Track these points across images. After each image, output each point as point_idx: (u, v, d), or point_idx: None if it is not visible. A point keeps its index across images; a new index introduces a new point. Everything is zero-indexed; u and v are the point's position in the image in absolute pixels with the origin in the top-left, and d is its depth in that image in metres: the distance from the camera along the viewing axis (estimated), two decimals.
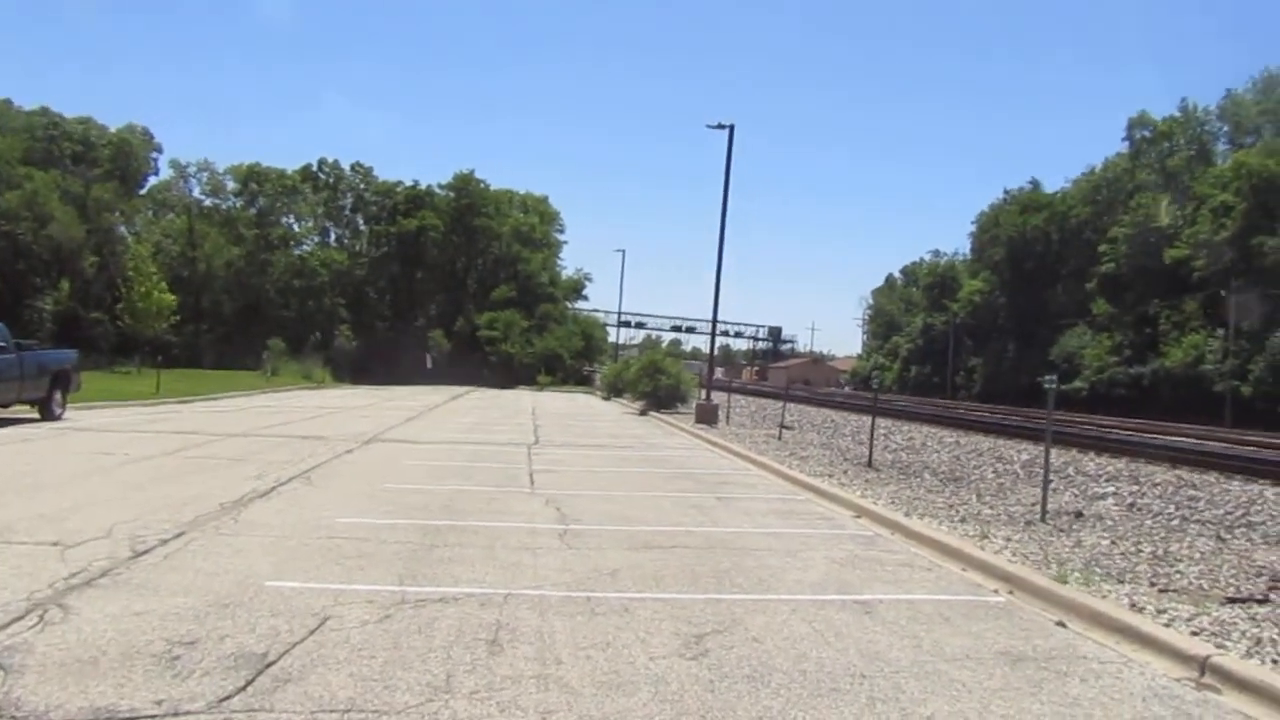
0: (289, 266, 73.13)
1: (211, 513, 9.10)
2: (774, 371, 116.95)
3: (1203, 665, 5.26)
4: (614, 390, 41.92)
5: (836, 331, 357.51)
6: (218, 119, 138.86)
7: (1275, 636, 5.81)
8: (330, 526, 8.66)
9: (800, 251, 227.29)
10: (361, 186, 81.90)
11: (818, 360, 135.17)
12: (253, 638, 5.19)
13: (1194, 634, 5.83)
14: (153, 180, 71.86)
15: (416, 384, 58.23)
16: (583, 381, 67.16)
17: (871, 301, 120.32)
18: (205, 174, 75.25)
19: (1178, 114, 66.46)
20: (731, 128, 28.12)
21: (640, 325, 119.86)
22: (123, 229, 61.41)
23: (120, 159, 62.68)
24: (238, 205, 76.22)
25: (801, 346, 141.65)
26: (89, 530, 7.90)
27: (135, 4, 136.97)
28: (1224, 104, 64.30)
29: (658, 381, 34.02)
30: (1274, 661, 5.33)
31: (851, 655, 5.38)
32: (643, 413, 32.41)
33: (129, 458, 13.40)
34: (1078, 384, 61.64)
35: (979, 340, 78.31)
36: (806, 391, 62.39)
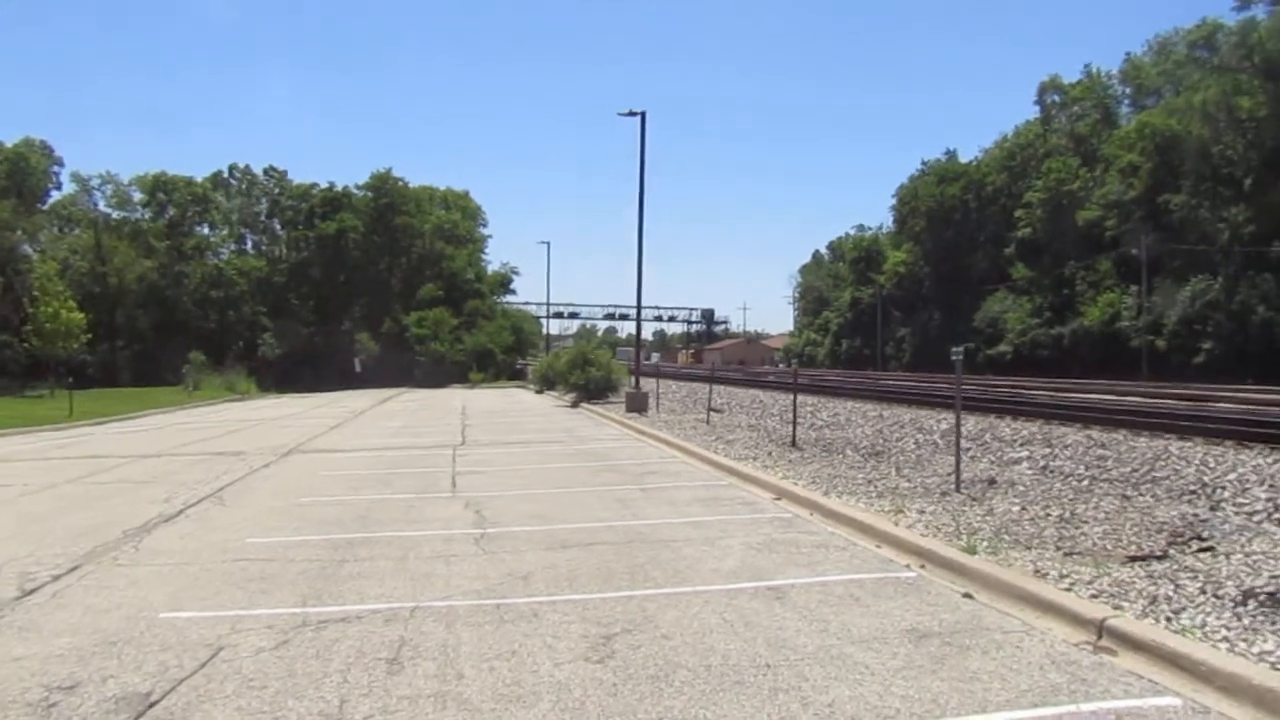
0: (205, 276, 71.27)
1: (111, 542, 8.77)
2: (709, 353, 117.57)
3: (1100, 628, 5.36)
4: (546, 383, 41.63)
5: (769, 310, 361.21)
6: (121, 131, 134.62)
7: (1170, 593, 5.94)
8: (237, 548, 8.40)
9: (730, 233, 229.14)
10: (276, 191, 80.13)
11: (752, 340, 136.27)
12: (138, 676, 4.98)
13: (1093, 597, 5.93)
14: (55, 195, 69.45)
15: (345, 389, 57.28)
16: (516, 376, 66.75)
17: (800, 279, 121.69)
18: (110, 186, 73.00)
19: (1082, 79, 68.20)
20: (643, 115, 28.06)
21: (574, 315, 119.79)
22: (26, 247, 59.12)
23: (17, 175, 60.37)
24: (147, 217, 73.94)
25: (735, 327, 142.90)
26: None
27: (27, 17, 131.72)
28: (1125, 68, 66.14)
29: (588, 373, 33.85)
30: (1168, 619, 5.45)
31: (759, 645, 5.36)
32: (574, 405, 32.26)
33: (30, 488, 12.90)
34: (1002, 348, 63.21)
35: (906, 311, 79.70)
36: (740, 372, 62.82)
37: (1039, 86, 70.70)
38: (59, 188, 69.33)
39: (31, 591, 6.91)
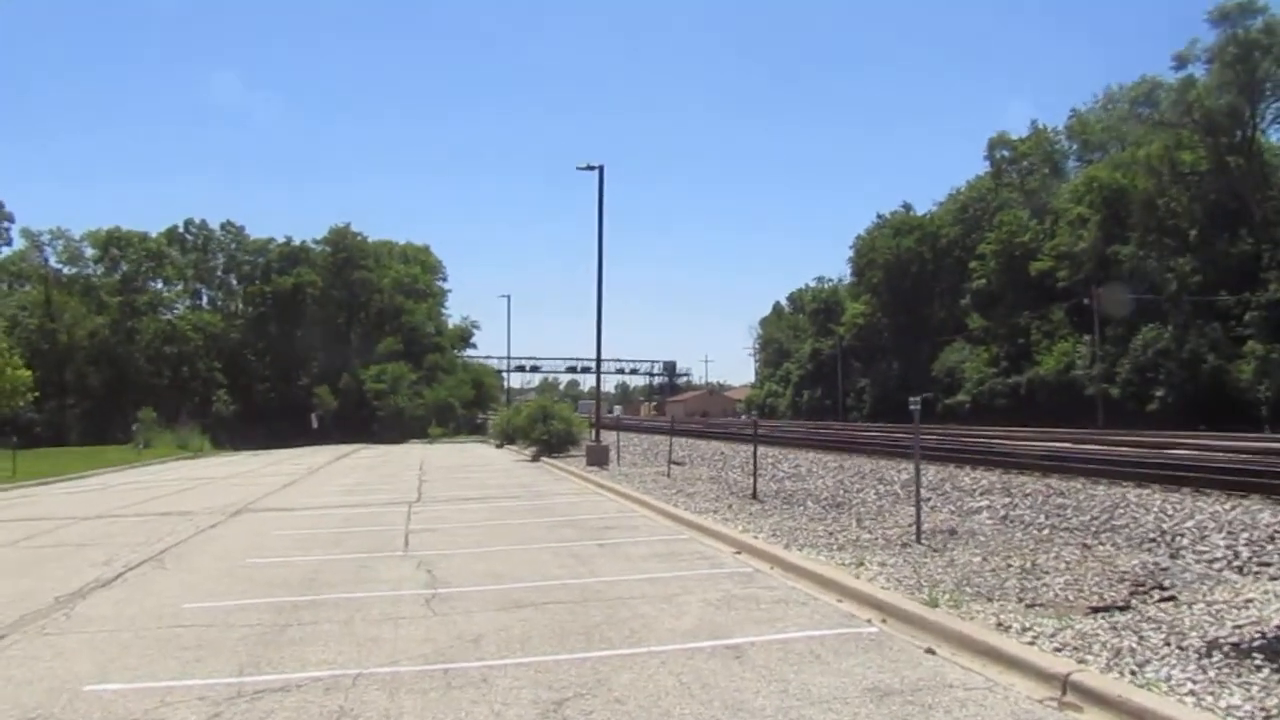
0: (159, 333, 70.05)
1: (41, 609, 8.35)
2: (671, 406, 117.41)
3: (1064, 683, 5.23)
4: (506, 438, 41.19)
5: (731, 362, 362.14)
6: (73, 185, 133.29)
7: (1134, 645, 5.83)
8: (174, 614, 8.03)
9: (692, 285, 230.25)
10: (233, 246, 79.44)
11: (714, 392, 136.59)
12: None
13: (1057, 650, 5.81)
14: (5, 251, 68.21)
15: (302, 445, 56.28)
16: (476, 431, 66.03)
17: (761, 330, 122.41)
18: (60, 242, 71.71)
19: (1030, 134, 70.06)
20: (601, 169, 28.22)
21: (535, 369, 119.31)
22: None
23: None
24: (99, 272, 72.79)
25: (698, 379, 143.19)
26: None
27: None
28: (1071, 123, 68.04)
29: (549, 427, 33.60)
30: (1132, 672, 5.33)
31: (716, 709, 5.16)
32: (534, 459, 31.89)
33: None
34: (961, 397, 63.78)
35: (865, 361, 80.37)
36: (702, 424, 62.72)
37: (988, 142, 72.60)
38: (9, 243, 68.21)
39: None
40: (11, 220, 66.19)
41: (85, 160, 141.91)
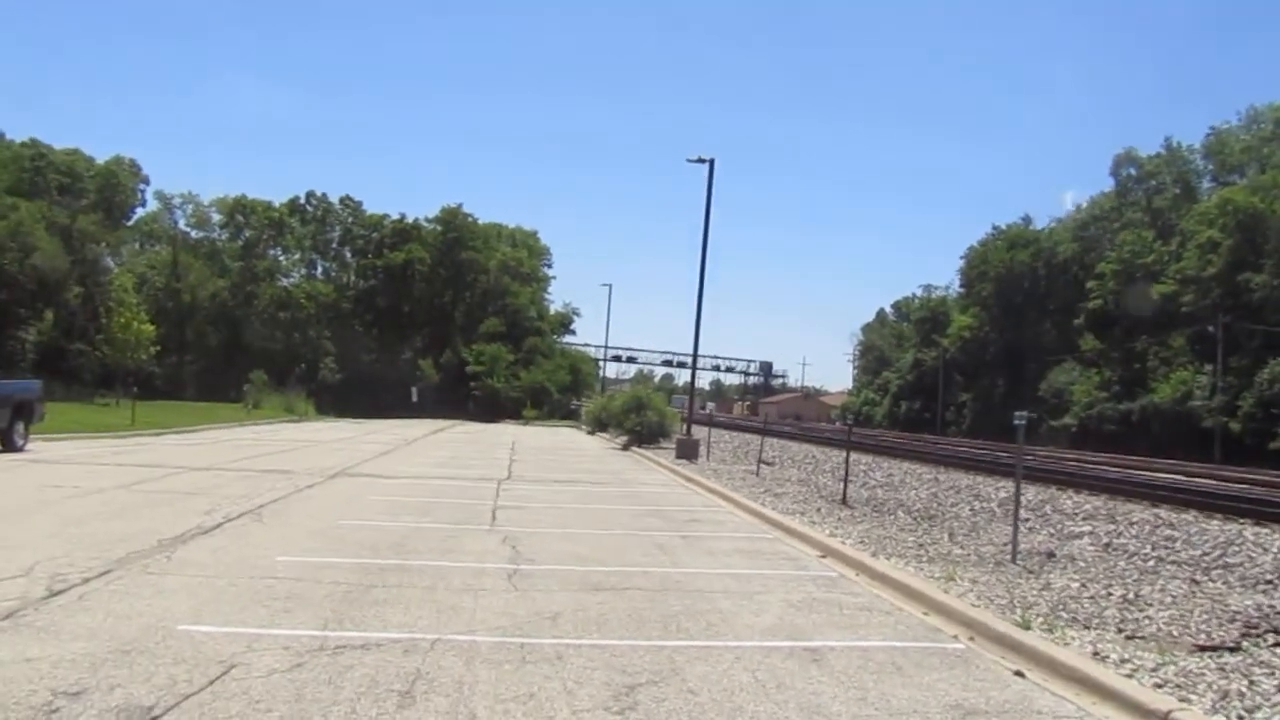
0: (274, 299, 72.91)
1: (146, 550, 8.72)
2: (765, 406, 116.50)
3: None
4: (599, 425, 41.52)
5: (828, 366, 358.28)
6: (209, 153, 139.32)
7: (1243, 689, 5.48)
8: (268, 565, 8.29)
9: (793, 286, 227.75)
10: (350, 220, 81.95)
11: (809, 395, 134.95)
12: (145, 688, 4.83)
13: (1157, 686, 5.50)
14: (140, 212, 71.79)
15: (401, 417, 57.79)
16: (569, 416, 66.78)
17: (862, 337, 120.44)
18: (190, 206, 75.25)
19: (1163, 151, 66.99)
20: (711, 162, 28.10)
21: (631, 360, 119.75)
22: (108, 260, 61.13)
23: (107, 190, 62.60)
24: (224, 238, 76.13)
25: (793, 381, 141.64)
26: (8, 568, 7.51)
27: (127, 38, 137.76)
28: (1208, 141, 64.79)
29: (643, 417, 33.71)
30: (1240, 717, 5.00)
31: (790, 710, 5.04)
32: (625, 448, 32.05)
33: (78, 491, 13.01)
34: (1067, 420, 61.59)
35: (969, 376, 78.26)
36: (795, 426, 62.07)
37: (1114, 159, 69.74)
38: (143, 205, 71.75)
39: (59, 593, 6.84)
40: (147, 183, 69.63)
41: (213, 128, 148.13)
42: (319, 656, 5.58)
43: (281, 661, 5.43)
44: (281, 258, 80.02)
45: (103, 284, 54.49)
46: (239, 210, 75.60)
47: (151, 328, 47.13)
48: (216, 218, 76.23)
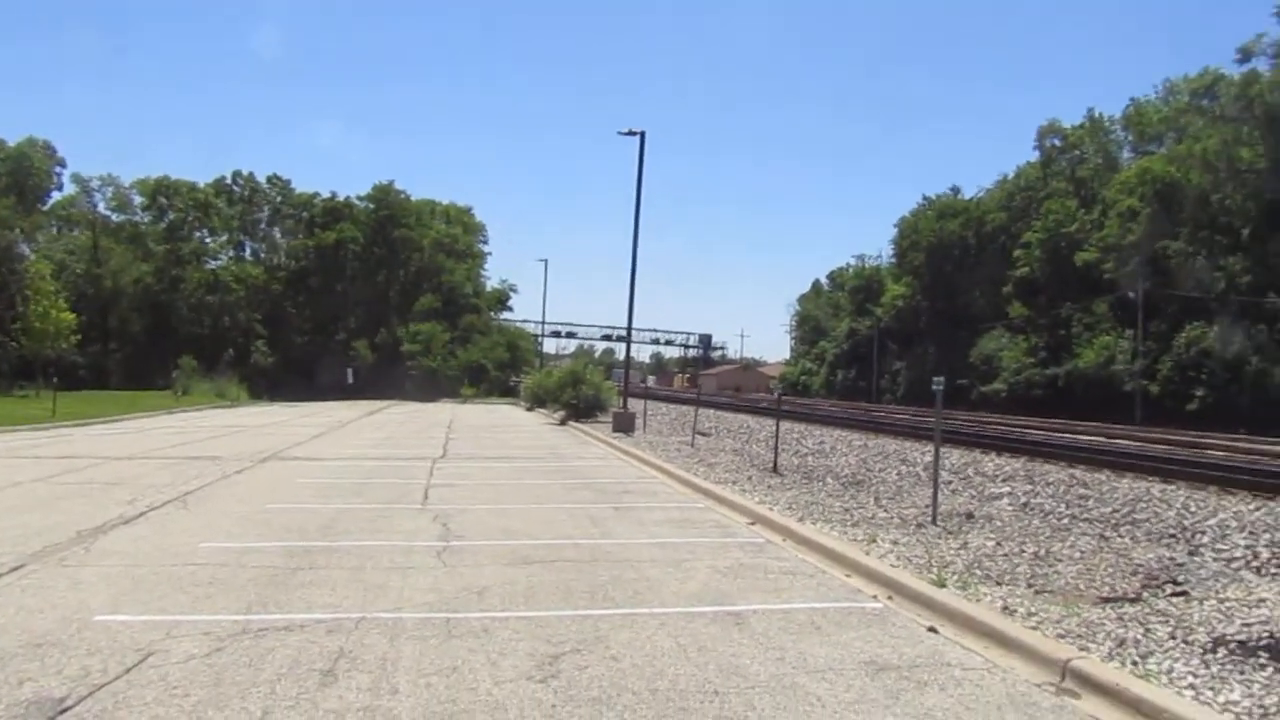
0: (201, 282, 71.04)
1: (64, 542, 8.55)
2: (705, 378, 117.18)
3: (1064, 669, 5.17)
4: (537, 401, 41.44)
5: (767, 338, 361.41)
6: (128, 137, 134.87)
7: (1139, 636, 5.75)
8: (190, 553, 8.18)
9: (731, 259, 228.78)
10: (278, 199, 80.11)
11: (748, 367, 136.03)
12: (57, 680, 4.77)
13: (1060, 637, 5.74)
14: (56, 196, 69.33)
15: (337, 399, 56.97)
16: (509, 393, 66.43)
17: (799, 308, 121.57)
18: (110, 189, 72.78)
19: (1085, 122, 68.47)
20: (642, 135, 28.02)
21: (571, 335, 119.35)
22: (23, 247, 58.90)
23: (19, 174, 60.31)
24: (146, 220, 73.84)
25: (733, 353, 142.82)
26: None
27: (40, 22, 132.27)
28: (1128, 112, 66.41)
29: (579, 391, 33.73)
30: (1134, 663, 5.25)
31: (710, 671, 5.16)
32: (562, 423, 32.05)
33: None
34: (997, 385, 63.02)
35: (902, 344, 79.55)
36: (733, 398, 62.58)
37: (1038, 130, 70.89)
38: (60, 189, 69.30)
39: None
40: (63, 165, 67.31)
41: (135, 109, 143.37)
42: (240, 640, 5.56)
43: (201, 647, 5.40)
44: (208, 240, 77.87)
45: (18, 271, 52.50)
46: (162, 192, 73.24)
47: (71, 316, 45.78)
48: (138, 200, 73.82)
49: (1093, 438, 23.70)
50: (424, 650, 5.46)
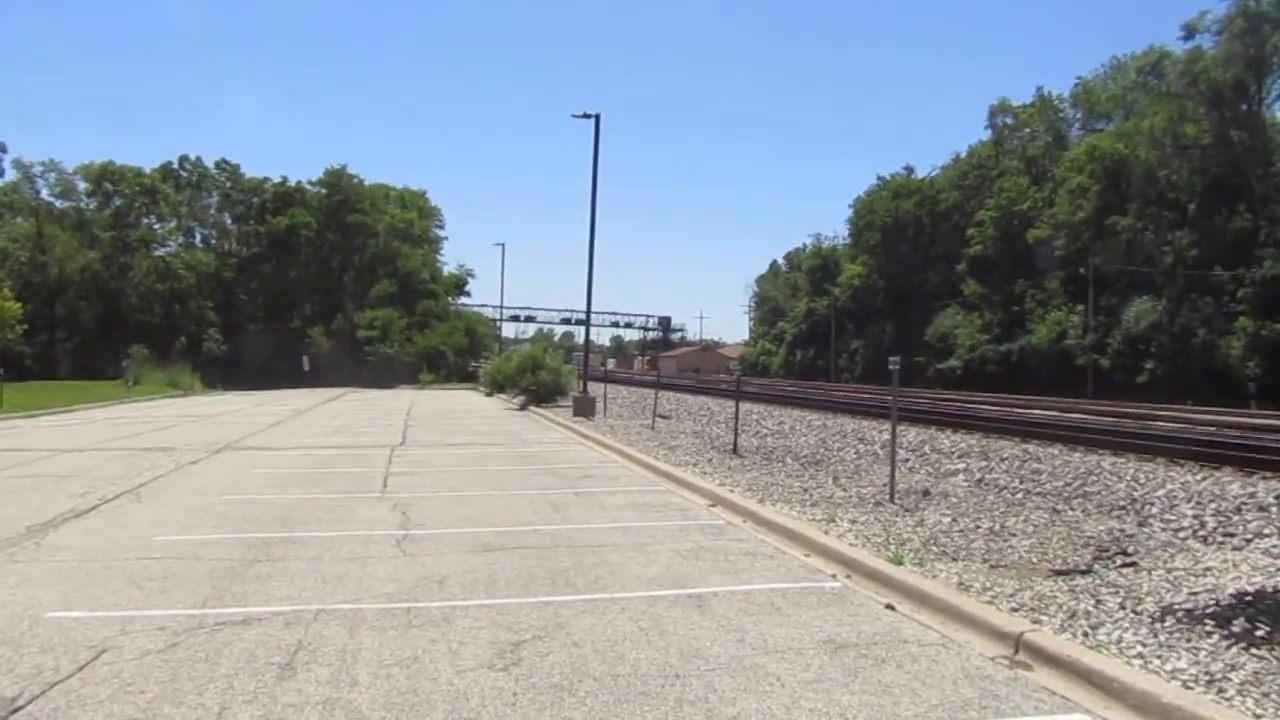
0: (151, 269, 69.51)
1: (12, 538, 8.38)
2: (665, 361, 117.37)
3: (1017, 642, 5.28)
4: (496, 386, 41.22)
5: (726, 319, 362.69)
6: (69, 121, 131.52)
7: (1090, 608, 5.88)
8: (145, 546, 8.06)
9: (689, 241, 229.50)
10: (228, 184, 78.50)
11: (708, 348, 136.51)
12: (7, 679, 4.69)
13: (1014, 610, 5.85)
14: None
15: (293, 387, 56.30)
16: (468, 378, 66.08)
17: (757, 289, 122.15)
18: (53, 175, 70.80)
19: (1035, 101, 69.31)
20: (597, 117, 27.88)
21: (530, 319, 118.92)
22: None
23: None
24: (91, 207, 72.06)
25: (692, 335, 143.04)
26: None
27: None
28: (1076, 90, 67.35)
29: (538, 376, 33.62)
30: (1085, 634, 5.37)
31: (671, 655, 5.20)
32: (522, 408, 31.96)
33: None
34: (953, 362, 63.93)
35: (859, 323, 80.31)
36: (693, 380, 62.76)
37: (990, 109, 71.76)
38: (1, 175, 67.34)
39: None
40: (4, 151, 65.34)
41: (79, 95, 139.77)
42: (196, 635, 5.49)
43: (156, 642, 5.33)
44: (157, 226, 76.13)
45: None
46: (106, 177, 71.37)
47: (17, 305, 44.59)
48: (82, 186, 71.93)
49: (1047, 412, 24.11)
50: (384, 641, 5.43)
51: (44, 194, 71.24)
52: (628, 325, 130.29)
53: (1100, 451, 13.38)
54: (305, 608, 6.11)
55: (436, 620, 5.86)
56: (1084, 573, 6.88)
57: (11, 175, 68.91)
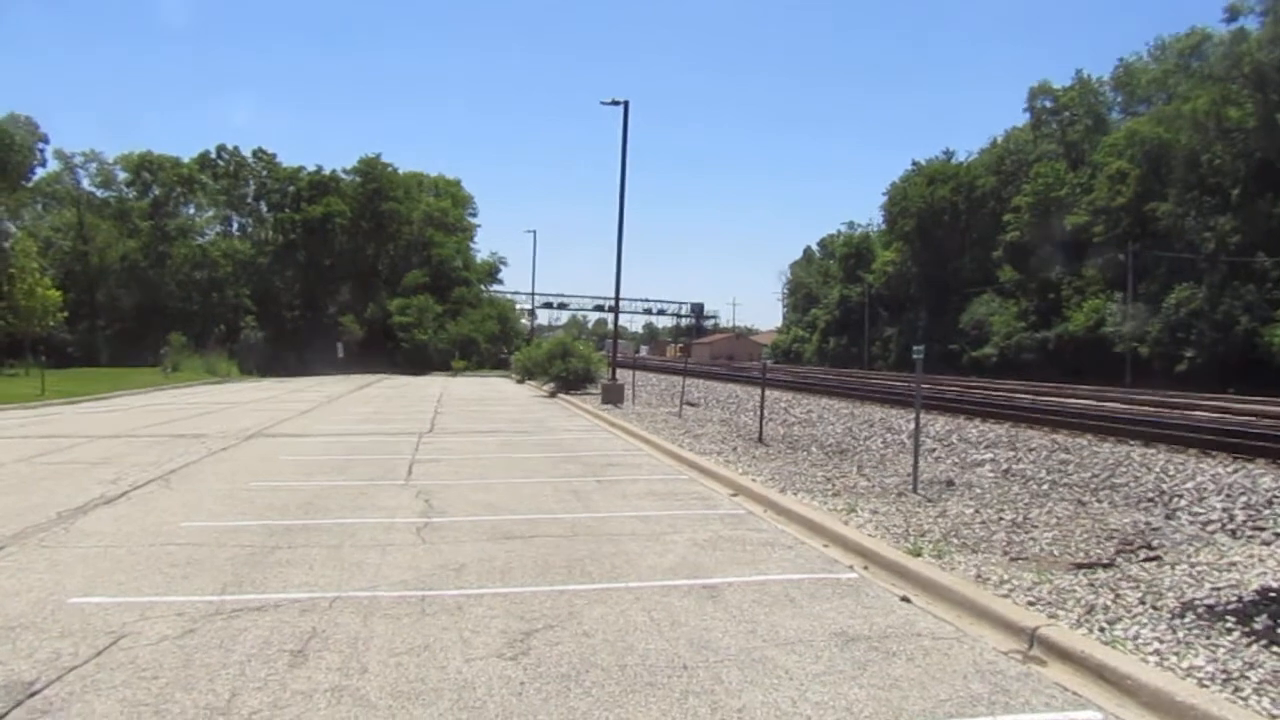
0: (189, 258, 70.45)
1: (43, 523, 8.54)
2: (697, 348, 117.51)
3: (1032, 637, 5.21)
4: (527, 373, 41.40)
5: (759, 306, 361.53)
6: (113, 111, 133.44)
7: (1109, 603, 5.79)
8: (170, 533, 8.18)
9: (723, 228, 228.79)
10: (264, 174, 79.23)
11: (741, 335, 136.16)
12: (27, 664, 4.78)
13: (1030, 604, 5.78)
14: (40, 172, 68.45)
15: (327, 374, 56.93)
16: (500, 366, 66.44)
17: (791, 275, 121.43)
18: (94, 165, 71.94)
19: (1075, 84, 68.05)
20: (626, 104, 27.78)
21: (563, 306, 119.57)
22: (8, 224, 58.36)
23: (1, 150, 59.48)
24: (131, 196, 73.12)
25: (725, 322, 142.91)
26: None
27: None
28: (1117, 73, 66.06)
29: (568, 363, 33.70)
30: (1101, 630, 5.29)
31: (680, 646, 5.19)
32: (551, 395, 32.07)
33: None
34: (988, 350, 63.16)
35: (893, 310, 79.60)
36: (725, 367, 62.64)
37: (1029, 92, 70.47)
38: (44, 165, 68.42)
39: None
40: (46, 142, 66.27)
41: (118, 84, 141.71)
42: (213, 621, 5.57)
43: (173, 628, 5.41)
44: (195, 215, 77.17)
45: (3, 249, 52.11)
46: (145, 167, 72.43)
47: (58, 293, 45.48)
48: (122, 176, 73.07)
49: (1082, 401, 23.78)
50: (397, 629, 5.48)
51: (85, 184, 72.46)
52: (660, 312, 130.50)
53: (1131, 442, 13.18)
54: (322, 595, 6.17)
55: (450, 609, 5.90)
56: (1106, 566, 6.77)
57: (54, 165, 70.07)
